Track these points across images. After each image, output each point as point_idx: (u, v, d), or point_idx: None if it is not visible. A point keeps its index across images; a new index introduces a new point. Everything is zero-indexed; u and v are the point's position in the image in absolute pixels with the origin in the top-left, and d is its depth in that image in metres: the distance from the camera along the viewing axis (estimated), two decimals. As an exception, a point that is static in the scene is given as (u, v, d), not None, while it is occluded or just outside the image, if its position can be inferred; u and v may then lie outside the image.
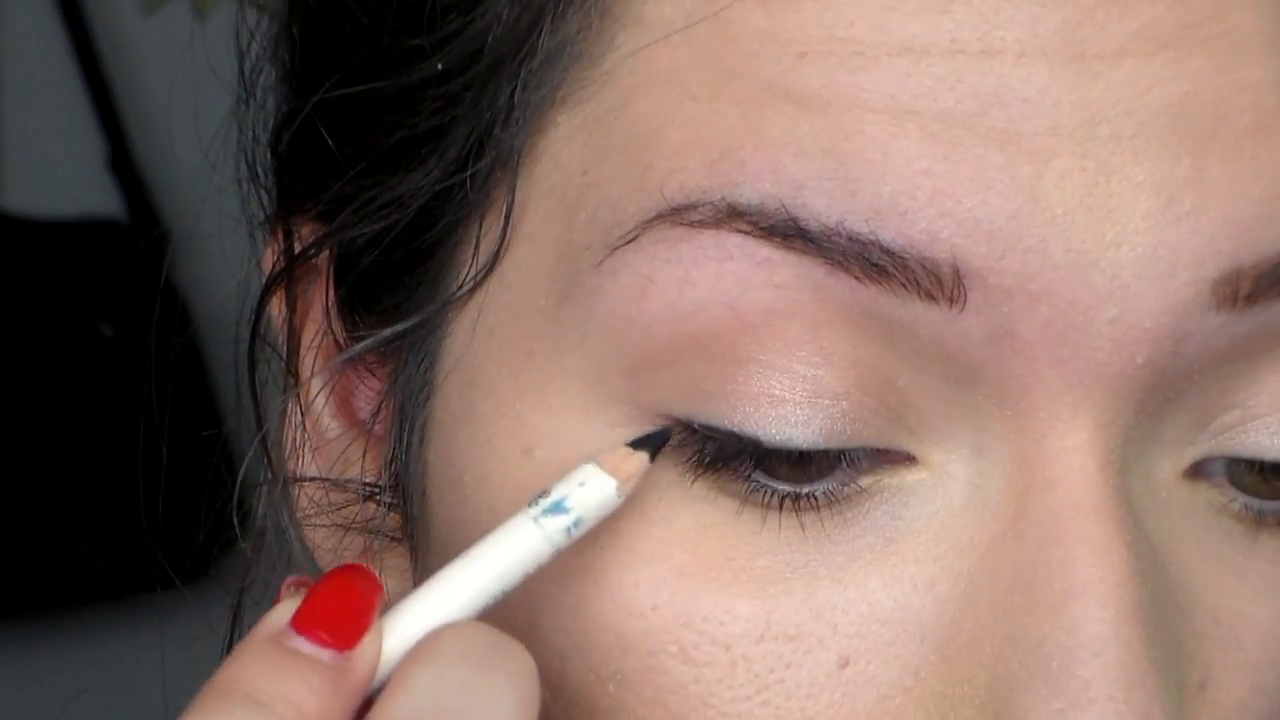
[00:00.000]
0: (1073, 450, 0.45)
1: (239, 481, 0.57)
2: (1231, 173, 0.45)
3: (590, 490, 0.45)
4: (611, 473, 0.45)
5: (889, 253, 0.44)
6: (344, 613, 0.44)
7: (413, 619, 0.45)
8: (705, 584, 0.46)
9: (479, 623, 0.44)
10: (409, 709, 0.42)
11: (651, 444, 0.46)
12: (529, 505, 0.45)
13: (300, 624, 0.44)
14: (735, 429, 0.45)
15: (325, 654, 0.43)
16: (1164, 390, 0.46)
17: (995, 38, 0.44)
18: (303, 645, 0.43)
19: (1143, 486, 0.46)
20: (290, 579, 0.46)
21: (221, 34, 0.64)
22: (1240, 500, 0.48)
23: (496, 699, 0.43)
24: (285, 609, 0.44)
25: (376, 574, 0.45)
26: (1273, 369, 0.47)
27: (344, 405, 0.55)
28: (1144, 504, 0.46)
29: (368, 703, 0.44)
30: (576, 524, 0.45)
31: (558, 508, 0.45)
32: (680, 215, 0.45)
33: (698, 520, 0.46)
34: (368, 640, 0.44)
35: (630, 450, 0.46)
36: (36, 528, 1.60)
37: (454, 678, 0.43)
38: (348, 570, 0.45)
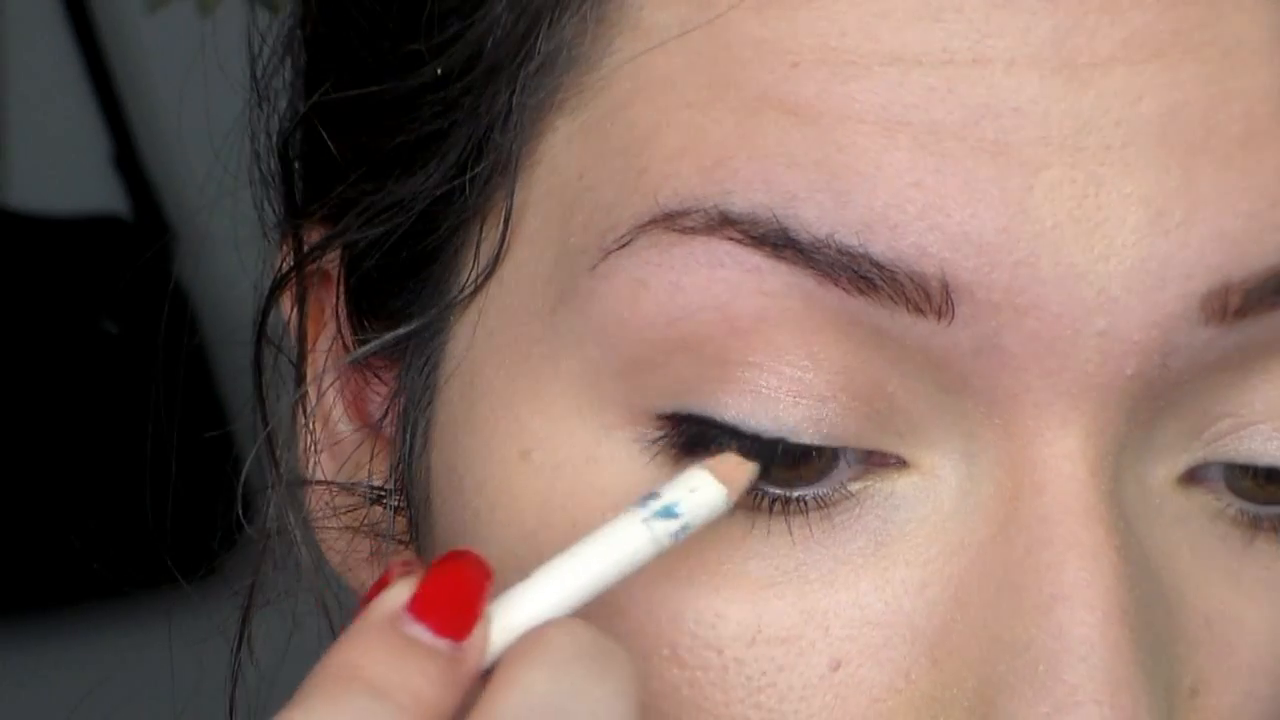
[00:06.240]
0: (1062, 456, 0.45)
1: (243, 479, 0.57)
2: (1221, 184, 0.45)
3: (701, 497, 0.45)
4: (722, 480, 0.45)
5: (878, 266, 0.44)
6: (459, 600, 0.43)
7: (517, 610, 0.43)
8: (696, 587, 0.46)
9: (588, 623, 0.43)
10: (520, 707, 0.41)
11: (763, 456, 0.46)
12: (638, 505, 0.45)
13: (418, 609, 0.43)
14: (727, 424, 0.46)
15: (443, 643, 0.42)
16: (1154, 400, 0.46)
17: (986, 46, 0.44)
18: (421, 633, 0.42)
19: (1135, 492, 0.46)
20: (398, 559, 0.45)
21: (227, 31, 0.65)
22: (1236, 505, 0.48)
23: (607, 705, 0.42)
24: (401, 591, 0.43)
25: (485, 560, 0.44)
26: (1265, 378, 0.47)
27: (356, 408, 0.55)
28: (1136, 510, 0.46)
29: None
30: (684, 529, 0.44)
31: (668, 512, 0.44)
32: (673, 221, 0.46)
33: None
34: (479, 630, 0.43)
35: (742, 460, 0.45)
36: (40, 525, 1.61)
37: (567, 680, 0.42)
38: (460, 555, 0.44)
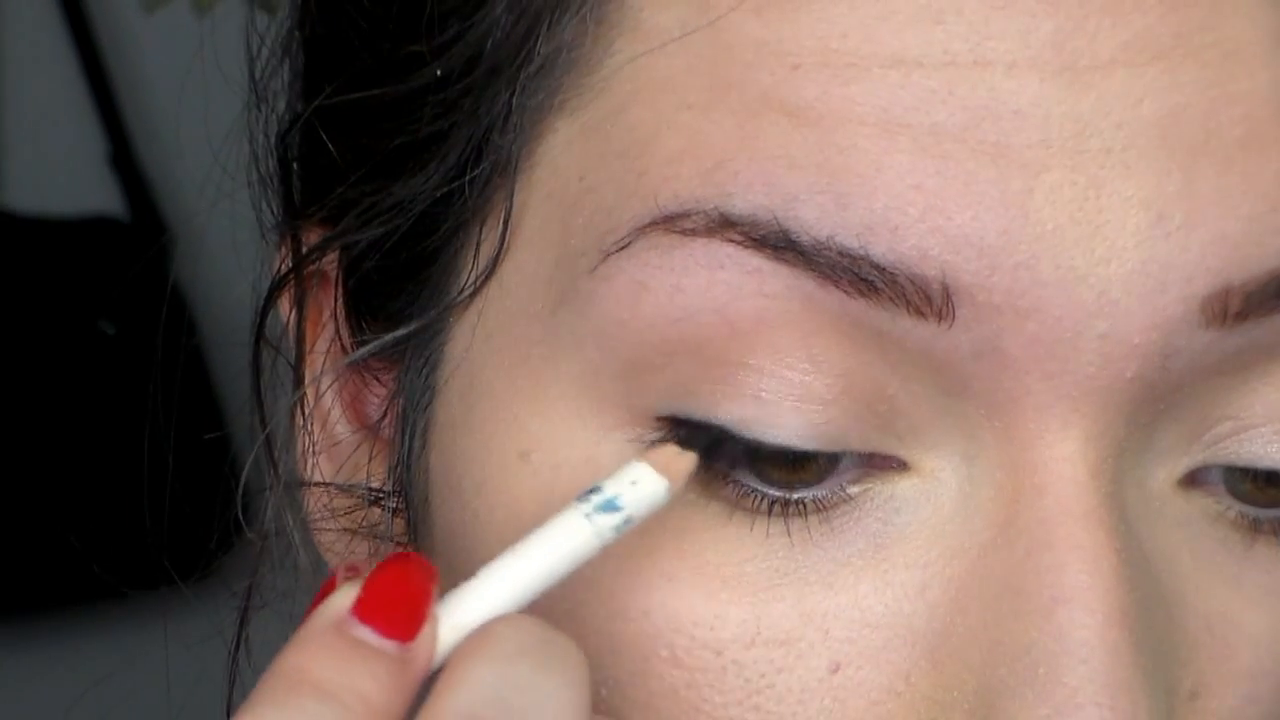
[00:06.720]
0: (1063, 459, 0.45)
1: (241, 481, 0.57)
2: (1222, 187, 0.45)
3: (641, 489, 0.45)
4: (662, 472, 0.45)
5: (879, 268, 0.44)
6: (405, 602, 0.43)
7: (465, 609, 0.44)
8: (694, 589, 0.46)
9: (533, 617, 0.44)
10: (468, 704, 0.42)
11: (699, 443, 0.46)
12: (579, 500, 0.45)
13: (363, 612, 0.43)
14: (727, 429, 0.46)
15: (389, 645, 0.43)
16: (1155, 403, 0.46)
17: (986, 48, 0.44)
18: (367, 635, 0.43)
19: (1136, 495, 0.46)
20: (345, 563, 0.45)
21: (225, 32, 0.65)
22: (1236, 508, 0.48)
23: (555, 697, 0.42)
24: (346, 595, 0.43)
25: (429, 562, 0.44)
26: (1265, 380, 0.47)
27: (354, 409, 0.55)
28: (1136, 512, 0.46)
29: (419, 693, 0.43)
30: (626, 522, 0.45)
31: (610, 505, 0.45)
32: (673, 223, 0.46)
33: (686, 524, 0.46)
34: (426, 630, 0.43)
35: (679, 450, 0.46)
36: (39, 525, 1.61)
37: (513, 674, 0.42)
38: (405, 558, 0.44)
